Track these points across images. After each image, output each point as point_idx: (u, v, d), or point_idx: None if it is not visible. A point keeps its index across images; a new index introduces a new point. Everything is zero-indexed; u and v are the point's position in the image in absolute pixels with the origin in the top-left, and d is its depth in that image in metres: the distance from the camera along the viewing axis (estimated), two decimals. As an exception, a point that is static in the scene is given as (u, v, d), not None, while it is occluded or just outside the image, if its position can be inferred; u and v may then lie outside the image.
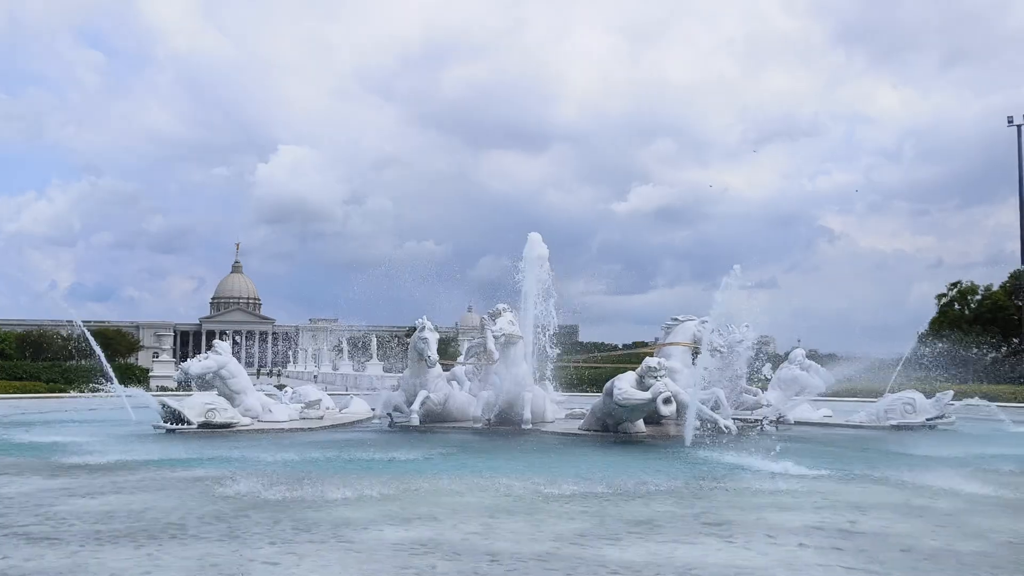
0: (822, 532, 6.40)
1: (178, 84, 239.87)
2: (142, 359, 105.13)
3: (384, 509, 7.14)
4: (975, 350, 33.47)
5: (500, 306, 16.09)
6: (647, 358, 14.23)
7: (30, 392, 27.30)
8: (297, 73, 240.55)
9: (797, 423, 17.35)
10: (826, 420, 18.59)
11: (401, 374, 19.28)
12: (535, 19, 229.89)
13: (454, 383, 17.68)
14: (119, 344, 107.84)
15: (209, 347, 16.20)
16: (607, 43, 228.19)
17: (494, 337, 15.53)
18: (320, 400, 17.91)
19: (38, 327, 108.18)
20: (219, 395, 15.07)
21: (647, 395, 13.53)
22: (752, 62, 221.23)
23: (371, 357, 55.14)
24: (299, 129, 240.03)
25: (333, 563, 5.31)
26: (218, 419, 14.29)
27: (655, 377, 13.67)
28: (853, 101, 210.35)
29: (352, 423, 16.94)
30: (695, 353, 16.44)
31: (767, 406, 17.44)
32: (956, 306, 54.08)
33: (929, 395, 17.46)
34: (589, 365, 31.86)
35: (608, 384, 14.38)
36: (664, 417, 13.84)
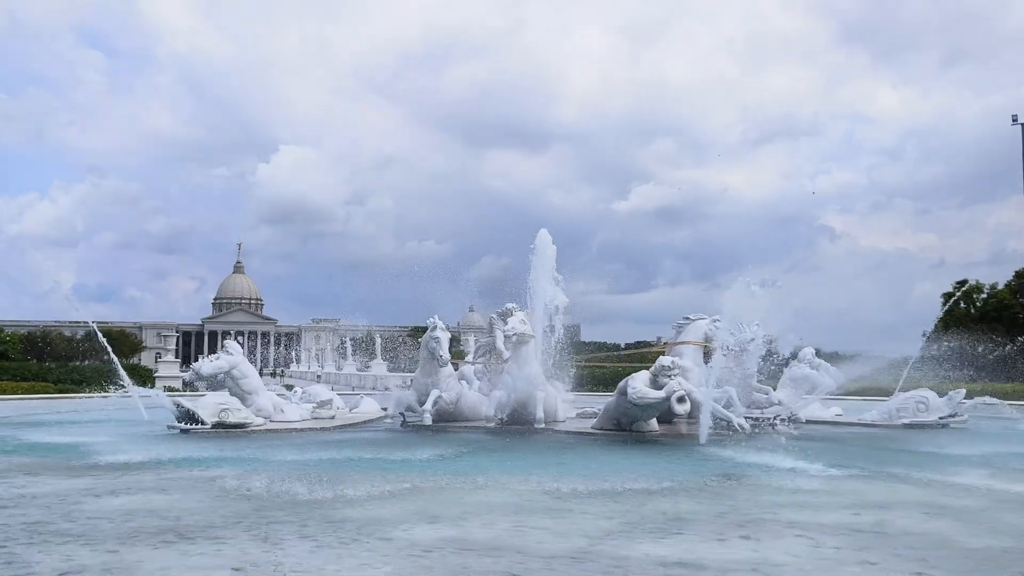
0: (856, 531, 6.36)
1: (179, 84, 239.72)
2: (145, 359, 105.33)
3: (410, 508, 7.13)
4: (981, 348, 33.48)
5: (510, 305, 16.10)
6: (661, 357, 14.27)
7: (39, 393, 27.30)
8: (298, 73, 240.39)
9: (808, 422, 17.32)
10: (838, 419, 18.54)
11: (405, 373, 19.31)
12: (535, 19, 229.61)
13: (463, 382, 17.68)
14: (122, 344, 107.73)
15: (212, 348, 16.23)
16: (607, 43, 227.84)
17: (506, 336, 15.54)
18: (331, 400, 17.91)
19: (41, 328, 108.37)
20: (231, 395, 15.08)
21: (661, 394, 13.54)
22: (752, 62, 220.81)
23: (375, 356, 55.09)
24: (300, 129, 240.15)
25: (376, 562, 5.29)
26: (232, 419, 14.29)
27: (669, 376, 13.70)
28: (853, 101, 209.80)
29: (364, 423, 16.95)
30: (707, 352, 16.47)
31: (778, 404, 17.45)
32: (962, 304, 54.14)
33: (940, 393, 17.45)
34: (593, 364, 31.92)
35: (622, 383, 14.38)
36: (677, 416, 13.85)
